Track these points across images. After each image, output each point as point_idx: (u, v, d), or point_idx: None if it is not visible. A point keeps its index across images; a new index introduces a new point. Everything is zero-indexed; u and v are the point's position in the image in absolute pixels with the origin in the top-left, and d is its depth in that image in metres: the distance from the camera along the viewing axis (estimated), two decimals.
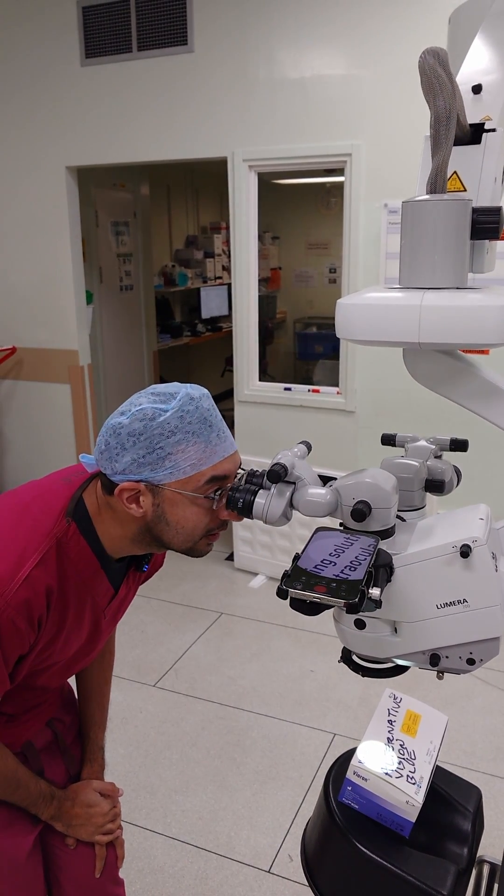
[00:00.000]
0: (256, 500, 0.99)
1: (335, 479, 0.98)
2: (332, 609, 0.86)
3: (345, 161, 3.37)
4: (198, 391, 1.07)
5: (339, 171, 3.49)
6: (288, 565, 0.84)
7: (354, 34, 3.25)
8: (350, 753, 1.07)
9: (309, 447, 1.05)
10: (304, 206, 6.76)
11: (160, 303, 6.34)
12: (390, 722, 1.11)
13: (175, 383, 1.09)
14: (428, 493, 1.04)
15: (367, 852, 0.98)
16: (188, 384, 1.09)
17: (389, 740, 1.07)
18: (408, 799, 0.99)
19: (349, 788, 1.03)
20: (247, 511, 1.00)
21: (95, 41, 3.79)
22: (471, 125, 0.88)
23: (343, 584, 0.80)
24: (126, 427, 1.02)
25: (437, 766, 1.10)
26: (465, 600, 0.88)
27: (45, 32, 3.91)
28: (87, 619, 1.16)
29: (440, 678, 0.97)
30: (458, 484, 1.08)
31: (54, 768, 1.37)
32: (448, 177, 0.86)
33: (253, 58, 3.47)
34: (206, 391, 1.09)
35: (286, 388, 3.83)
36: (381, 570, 0.85)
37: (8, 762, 1.20)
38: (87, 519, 1.10)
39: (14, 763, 1.21)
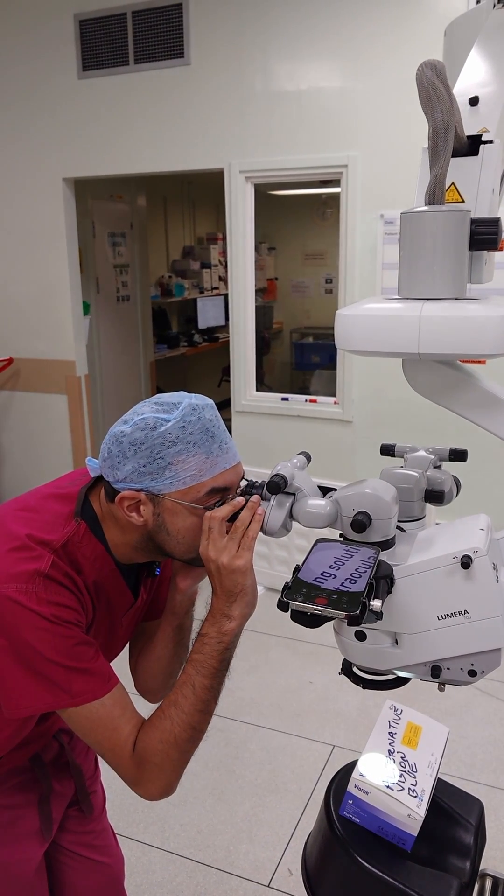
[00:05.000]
0: None
1: (335, 489, 0.97)
2: (331, 621, 0.85)
3: (341, 172, 3.39)
4: (201, 401, 1.06)
5: (336, 182, 3.51)
6: (286, 576, 0.84)
7: (350, 46, 3.27)
8: (351, 766, 1.06)
9: (308, 458, 1.05)
10: (301, 216, 6.78)
11: (157, 313, 6.35)
12: (391, 734, 1.10)
13: (180, 393, 1.09)
14: (428, 504, 1.04)
15: (369, 866, 0.97)
16: (193, 394, 1.08)
17: (390, 753, 1.06)
18: (409, 812, 0.98)
19: (350, 802, 1.02)
20: None
21: (92, 54, 3.81)
22: (468, 137, 0.89)
23: (344, 595, 0.79)
24: (128, 436, 1.02)
25: (439, 778, 1.09)
26: (466, 611, 0.87)
27: (42, 45, 3.93)
28: (104, 623, 1.15)
29: (441, 690, 0.97)
30: (457, 494, 1.08)
31: (62, 780, 1.36)
32: (446, 188, 0.86)
33: (249, 70, 3.49)
34: (210, 401, 1.08)
35: (283, 399, 3.83)
36: (382, 581, 0.85)
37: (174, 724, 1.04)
38: (95, 521, 1.10)
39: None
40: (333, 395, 3.71)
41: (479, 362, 2.71)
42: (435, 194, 0.83)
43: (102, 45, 3.78)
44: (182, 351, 6.61)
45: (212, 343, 7.01)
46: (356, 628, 0.94)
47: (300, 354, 6.90)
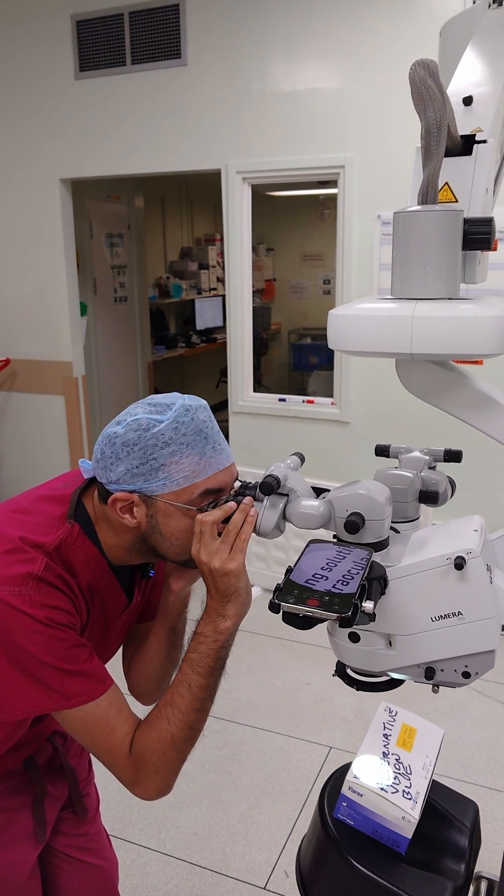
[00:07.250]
0: None
1: (328, 490, 0.97)
2: (326, 622, 0.85)
3: (338, 173, 3.39)
4: (195, 402, 1.06)
5: (333, 183, 3.50)
6: (282, 577, 0.84)
7: (346, 47, 3.27)
8: (345, 768, 1.06)
9: (302, 459, 1.05)
10: (299, 217, 6.79)
11: (155, 314, 6.34)
12: (386, 736, 1.10)
13: (174, 394, 1.09)
14: (422, 505, 1.04)
15: (363, 869, 0.97)
16: (186, 395, 1.08)
17: (385, 755, 1.06)
18: (404, 815, 0.98)
19: (344, 804, 1.02)
20: None
21: (89, 54, 3.81)
22: (462, 136, 0.88)
23: (336, 597, 0.79)
24: (121, 437, 1.02)
25: (434, 780, 1.08)
26: (459, 613, 0.87)
27: (39, 46, 3.93)
28: (99, 625, 1.15)
29: (436, 691, 0.96)
30: (452, 495, 1.08)
31: (56, 783, 1.36)
32: (439, 188, 0.86)
33: (246, 71, 3.49)
34: (203, 402, 1.08)
35: (280, 399, 3.83)
36: (375, 582, 0.85)
37: (160, 724, 1.03)
38: (89, 523, 1.10)
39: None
40: (331, 396, 3.70)
41: (477, 363, 2.71)
42: (428, 194, 0.82)
43: (99, 46, 3.77)
44: (180, 352, 6.60)
45: (210, 344, 7.00)
46: (349, 630, 0.93)
47: (298, 355, 6.90)
